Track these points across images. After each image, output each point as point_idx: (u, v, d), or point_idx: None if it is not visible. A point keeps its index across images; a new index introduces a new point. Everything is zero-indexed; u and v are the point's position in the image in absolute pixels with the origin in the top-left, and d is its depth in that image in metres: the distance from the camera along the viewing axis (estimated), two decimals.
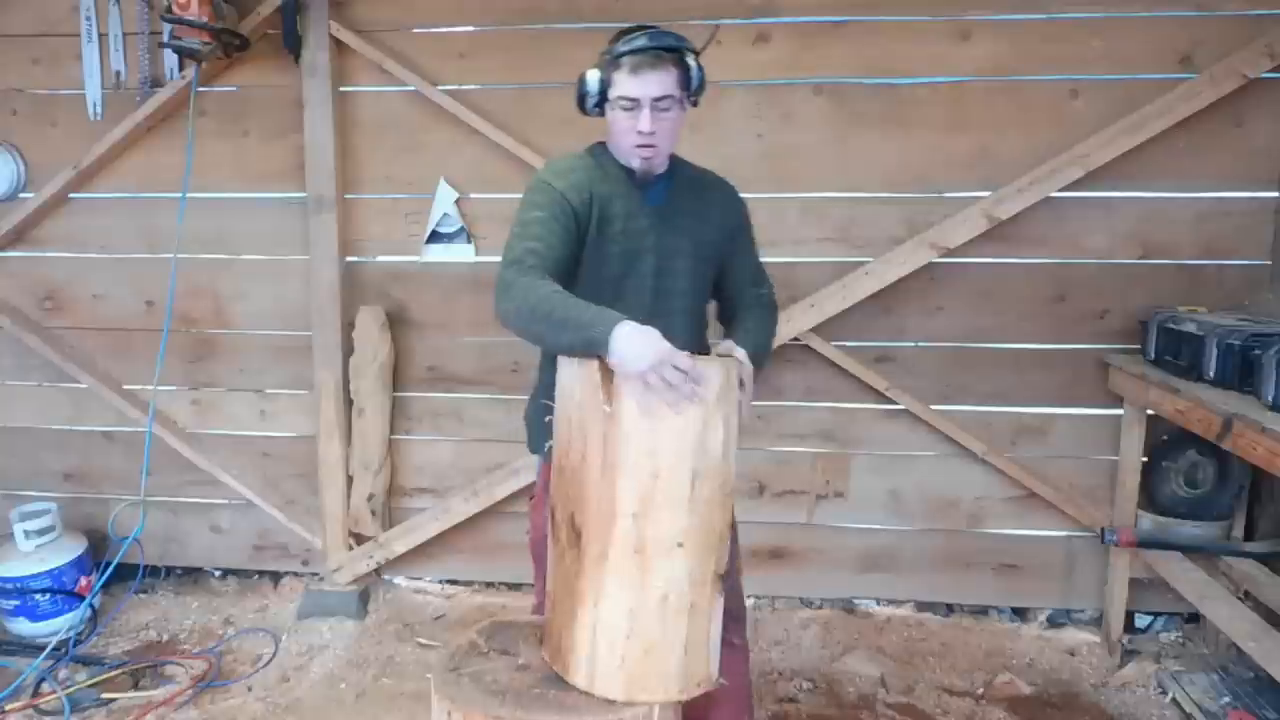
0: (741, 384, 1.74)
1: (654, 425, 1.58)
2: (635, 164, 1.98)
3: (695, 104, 2.03)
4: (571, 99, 2.02)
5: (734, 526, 2.14)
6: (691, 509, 1.61)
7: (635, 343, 1.59)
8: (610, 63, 1.92)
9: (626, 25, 1.94)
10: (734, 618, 2.13)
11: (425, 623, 3.42)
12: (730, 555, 2.01)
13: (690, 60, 1.95)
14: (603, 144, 2.06)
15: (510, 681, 1.70)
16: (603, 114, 1.99)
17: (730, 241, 2.13)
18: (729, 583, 1.98)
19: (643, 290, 2.01)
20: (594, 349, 1.63)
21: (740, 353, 1.85)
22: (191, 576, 3.78)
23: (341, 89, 3.32)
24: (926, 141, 3.13)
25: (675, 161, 2.09)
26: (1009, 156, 3.08)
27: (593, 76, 1.96)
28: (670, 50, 1.90)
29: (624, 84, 1.89)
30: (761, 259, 2.23)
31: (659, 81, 1.88)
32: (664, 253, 2.02)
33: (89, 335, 3.61)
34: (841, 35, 3.12)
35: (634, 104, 1.89)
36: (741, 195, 2.17)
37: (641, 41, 1.89)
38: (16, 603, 3.24)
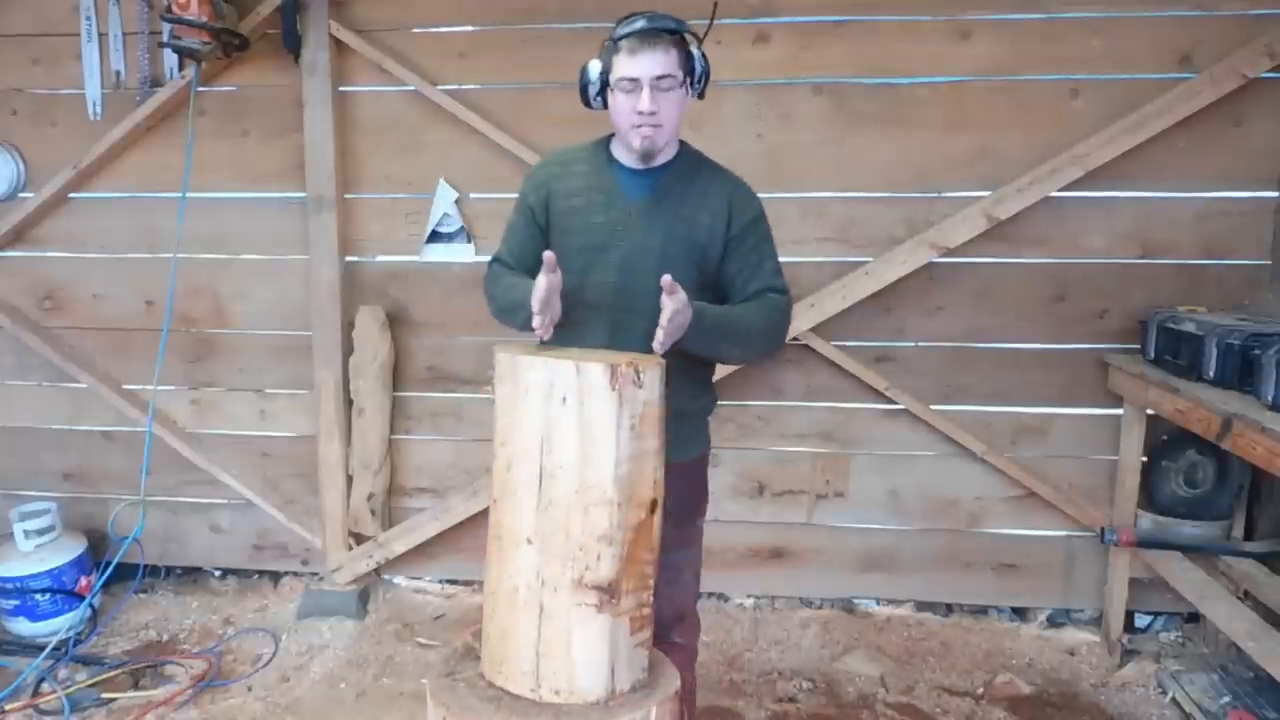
0: (639, 380, 1.60)
1: (509, 415, 1.63)
2: (635, 144, 1.93)
3: (701, 96, 2.00)
4: (572, 97, 2.03)
5: (692, 534, 2.15)
6: (540, 508, 1.59)
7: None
8: (610, 48, 1.91)
9: (627, 13, 1.94)
10: (682, 619, 2.15)
11: (425, 623, 3.42)
12: (682, 563, 2.05)
13: (691, 46, 1.94)
14: (611, 136, 2.04)
15: None
16: (606, 105, 1.97)
17: (725, 246, 2.01)
18: (674, 588, 2.01)
19: (604, 287, 1.97)
20: (511, 319, 1.95)
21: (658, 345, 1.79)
22: (191, 576, 3.78)
23: (341, 89, 3.32)
24: (926, 141, 3.13)
25: (684, 154, 2.05)
26: (1009, 156, 3.09)
27: (593, 66, 1.97)
28: (669, 31, 1.89)
29: (623, 65, 1.88)
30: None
31: (658, 61, 1.86)
32: (634, 250, 1.96)
33: (89, 335, 3.61)
34: (841, 35, 3.12)
35: (634, 84, 1.87)
36: (755, 201, 2.04)
37: (640, 24, 1.88)
38: (16, 602, 3.24)
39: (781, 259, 3.10)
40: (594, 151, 2.06)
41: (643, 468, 1.62)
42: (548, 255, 1.79)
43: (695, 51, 1.95)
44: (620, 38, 1.89)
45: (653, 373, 1.62)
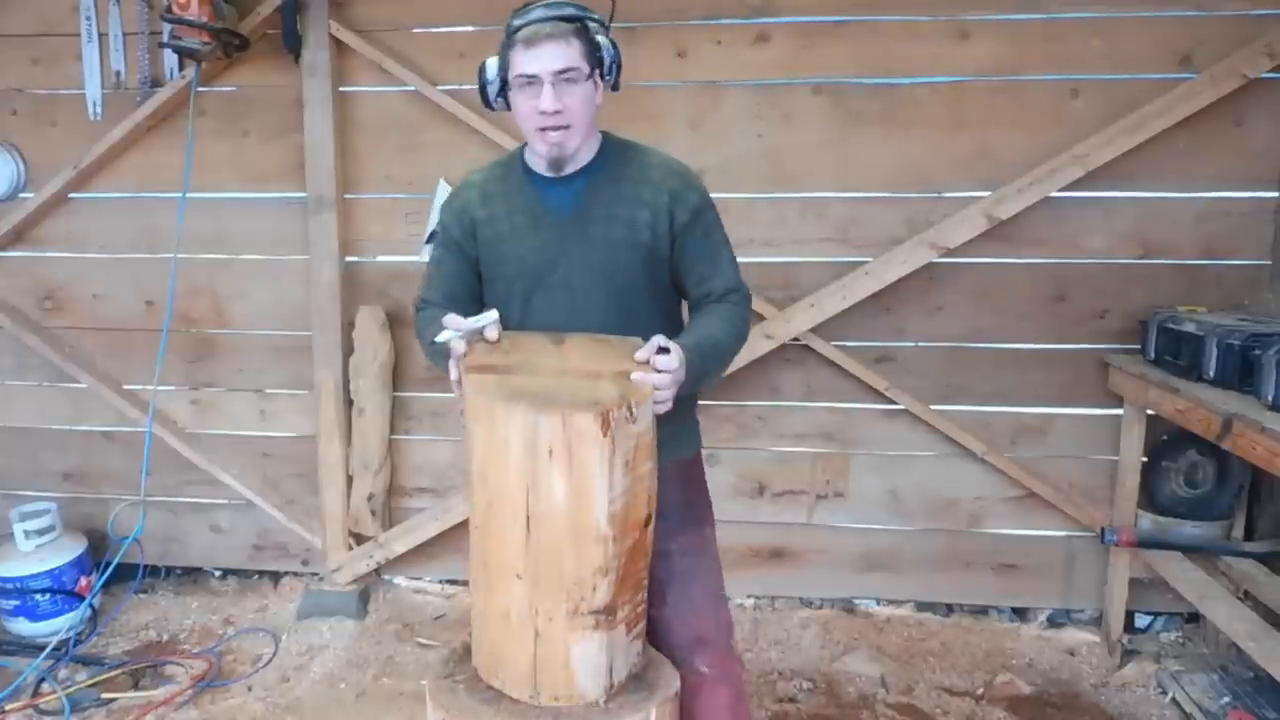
0: (632, 416, 1.48)
1: (488, 458, 1.50)
2: (542, 149, 1.76)
3: (615, 88, 1.82)
4: None
5: (699, 542, 1.94)
6: (529, 549, 1.49)
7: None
8: (506, 44, 1.73)
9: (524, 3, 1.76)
10: (702, 643, 1.90)
11: (425, 623, 3.42)
12: (690, 573, 1.87)
13: (598, 35, 1.75)
14: (525, 146, 1.88)
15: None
16: (509, 105, 1.79)
17: (672, 241, 1.83)
18: (685, 605, 1.86)
19: (553, 306, 1.81)
20: (443, 361, 1.69)
21: (648, 377, 1.57)
22: (191, 576, 3.78)
23: (341, 89, 3.32)
24: (926, 141, 3.13)
25: (606, 149, 1.85)
26: (1009, 156, 3.08)
27: (491, 64, 1.79)
28: (568, 20, 1.71)
29: (520, 60, 1.69)
30: (737, 258, 1.91)
31: (558, 53, 1.68)
32: (575, 267, 1.80)
33: (89, 335, 3.61)
34: (841, 35, 3.11)
35: (533, 80, 1.69)
36: (696, 186, 1.86)
37: (536, 12, 1.70)
38: (16, 603, 3.24)
39: (781, 259, 3.07)
40: (508, 168, 1.90)
41: (637, 494, 1.54)
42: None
43: (603, 40, 1.76)
44: (515, 30, 1.71)
45: (647, 406, 1.52)
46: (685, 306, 1.96)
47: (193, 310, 3.52)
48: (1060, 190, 3.03)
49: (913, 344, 3.26)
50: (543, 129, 1.73)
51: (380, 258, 3.46)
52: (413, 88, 3.26)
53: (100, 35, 3.35)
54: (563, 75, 1.69)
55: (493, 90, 1.80)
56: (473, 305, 1.91)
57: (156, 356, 3.32)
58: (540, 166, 1.83)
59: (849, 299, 3.13)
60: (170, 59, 3.32)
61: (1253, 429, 2.25)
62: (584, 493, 1.45)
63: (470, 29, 3.27)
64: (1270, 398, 2.30)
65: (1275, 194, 3.05)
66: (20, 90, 3.47)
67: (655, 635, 1.85)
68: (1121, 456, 3.12)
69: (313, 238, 3.35)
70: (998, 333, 3.22)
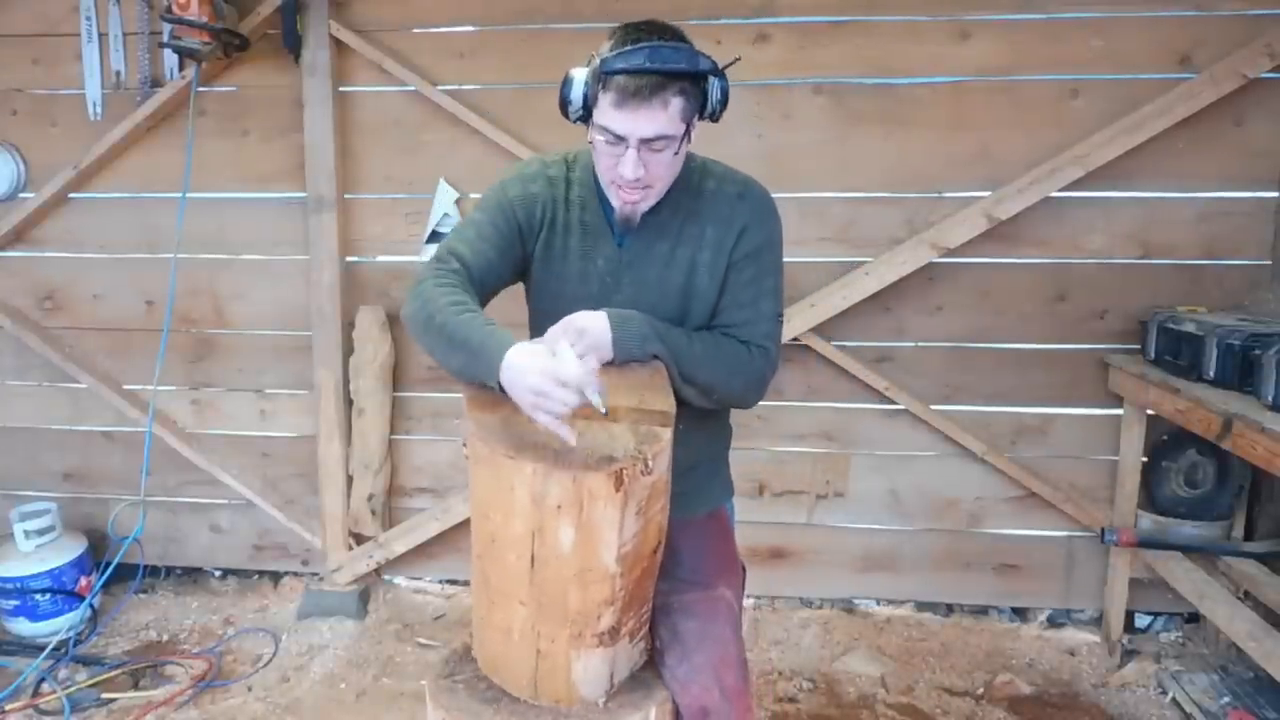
0: (648, 469, 1.37)
1: (491, 498, 1.43)
2: (614, 202, 1.63)
3: (715, 119, 1.65)
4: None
5: (713, 604, 1.71)
6: (532, 584, 1.45)
7: (521, 359, 1.39)
8: (598, 77, 1.50)
9: (633, 21, 1.54)
10: (706, 713, 1.60)
11: (425, 623, 3.42)
12: (692, 637, 1.65)
13: (708, 82, 1.57)
14: None
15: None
16: (587, 124, 1.60)
17: (724, 278, 1.67)
18: (682, 675, 1.62)
19: None
20: (480, 378, 1.45)
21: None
22: (191, 576, 3.78)
23: (341, 89, 3.32)
24: (926, 141, 3.13)
25: (683, 175, 1.68)
26: (1009, 156, 3.08)
27: (578, 80, 1.55)
28: (675, 76, 1.48)
29: (608, 113, 1.49)
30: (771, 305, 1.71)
31: (652, 118, 1.48)
32: (624, 305, 1.63)
33: (89, 335, 3.61)
34: (841, 35, 3.12)
35: (618, 141, 1.51)
36: (768, 223, 1.71)
37: (638, 60, 1.45)
38: (16, 603, 3.24)
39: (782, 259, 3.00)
40: (587, 173, 1.71)
41: (648, 533, 1.48)
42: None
43: (714, 82, 1.58)
44: (611, 71, 1.46)
45: (664, 454, 1.41)
46: None
47: (193, 310, 3.52)
48: (1060, 190, 3.03)
49: (913, 344, 3.27)
50: (618, 185, 1.58)
51: (380, 258, 3.46)
52: (413, 88, 3.26)
53: (100, 35, 3.35)
54: (652, 143, 1.51)
55: (573, 112, 1.58)
56: (490, 285, 1.71)
57: (156, 356, 3.32)
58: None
59: (849, 299, 3.13)
60: (170, 59, 3.31)
61: (1253, 429, 2.25)
62: (592, 541, 1.40)
63: (470, 29, 3.27)
64: (1270, 398, 2.30)
65: (1275, 194, 3.05)
66: (20, 90, 3.47)
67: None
68: (1121, 456, 3.12)
69: (313, 238, 3.35)
70: (998, 333, 3.22)
